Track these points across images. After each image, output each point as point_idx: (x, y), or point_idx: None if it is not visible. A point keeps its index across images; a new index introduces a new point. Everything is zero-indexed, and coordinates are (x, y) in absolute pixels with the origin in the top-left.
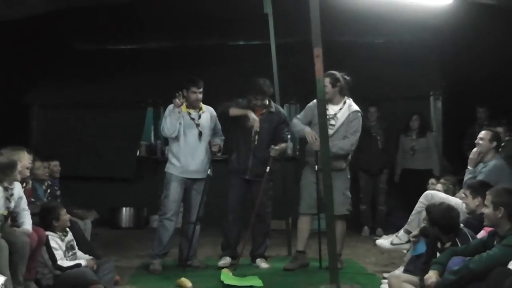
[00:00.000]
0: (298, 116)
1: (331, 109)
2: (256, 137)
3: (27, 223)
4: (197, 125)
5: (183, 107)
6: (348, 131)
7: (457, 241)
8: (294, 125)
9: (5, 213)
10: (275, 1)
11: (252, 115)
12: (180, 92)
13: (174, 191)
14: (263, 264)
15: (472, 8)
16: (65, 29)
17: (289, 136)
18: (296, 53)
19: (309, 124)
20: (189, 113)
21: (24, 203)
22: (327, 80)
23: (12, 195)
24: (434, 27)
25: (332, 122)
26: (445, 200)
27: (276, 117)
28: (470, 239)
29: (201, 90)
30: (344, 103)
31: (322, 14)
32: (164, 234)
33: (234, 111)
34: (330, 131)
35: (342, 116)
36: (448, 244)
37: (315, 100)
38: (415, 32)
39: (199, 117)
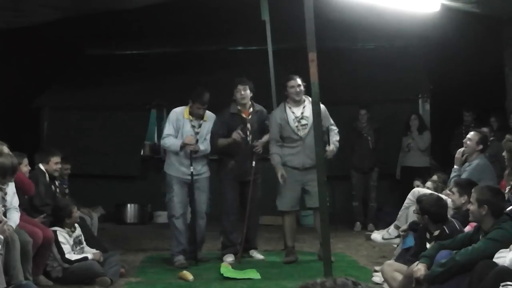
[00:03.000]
0: (272, 136)
1: (297, 111)
2: (251, 136)
3: (12, 220)
4: (196, 133)
5: (186, 114)
6: (325, 124)
7: (445, 228)
8: (272, 157)
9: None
10: (272, 8)
11: (235, 135)
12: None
13: (178, 193)
14: (259, 255)
15: (458, 16)
16: (75, 35)
17: None
18: (292, 58)
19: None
20: (191, 120)
21: (16, 201)
22: (300, 80)
23: (6, 194)
24: (422, 33)
25: (303, 122)
26: None
27: (261, 115)
28: (457, 227)
29: (205, 106)
30: (304, 101)
31: (316, 22)
32: (179, 234)
33: (222, 142)
34: (305, 130)
35: (309, 113)
36: (436, 232)
37: (274, 112)
38: (404, 38)
39: (199, 125)
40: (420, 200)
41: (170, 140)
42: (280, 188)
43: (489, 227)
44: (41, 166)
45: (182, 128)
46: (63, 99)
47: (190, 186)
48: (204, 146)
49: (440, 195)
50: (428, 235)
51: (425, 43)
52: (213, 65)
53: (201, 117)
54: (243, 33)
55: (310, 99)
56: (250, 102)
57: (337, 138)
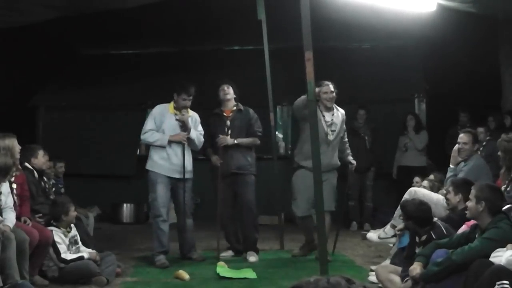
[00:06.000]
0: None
1: (328, 117)
2: (230, 132)
3: (9, 220)
4: (181, 127)
5: (171, 108)
6: (342, 133)
7: (432, 234)
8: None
9: None
10: (268, 8)
11: (214, 160)
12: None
13: (161, 193)
14: (251, 257)
15: (454, 15)
16: (70, 35)
17: (259, 134)
18: (288, 58)
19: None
20: (176, 114)
21: (10, 201)
22: (332, 86)
23: (0, 193)
24: (418, 33)
25: (333, 128)
26: (428, 196)
27: (246, 115)
28: (444, 232)
29: (191, 97)
30: (333, 109)
31: (313, 22)
32: (161, 235)
33: (209, 154)
34: (332, 136)
35: (338, 120)
36: (424, 237)
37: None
38: (400, 38)
39: (183, 115)
40: (403, 206)
41: (154, 135)
42: (295, 193)
43: (485, 224)
44: (27, 165)
45: (168, 122)
46: (59, 99)
47: (176, 186)
48: (195, 135)
49: (432, 199)
50: (417, 239)
51: (421, 43)
52: (209, 64)
53: (186, 109)
54: (240, 32)
55: (339, 109)
56: (233, 102)
57: (348, 151)
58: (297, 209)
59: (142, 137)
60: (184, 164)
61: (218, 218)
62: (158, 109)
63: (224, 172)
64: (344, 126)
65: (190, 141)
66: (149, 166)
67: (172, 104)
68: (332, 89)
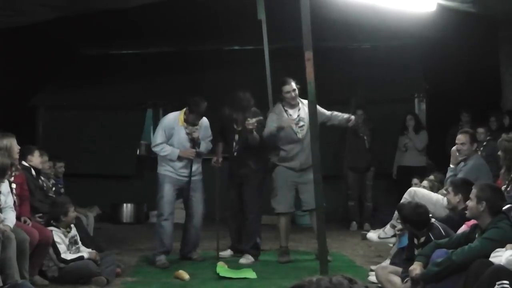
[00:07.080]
0: (268, 129)
1: (294, 114)
2: (237, 147)
3: (9, 220)
4: (191, 140)
5: (181, 121)
6: (321, 119)
7: (431, 235)
8: (267, 131)
9: None
10: (268, 8)
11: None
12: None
13: (168, 193)
14: (241, 259)
15: (454, 15)
16: (70, 35)
17: None
18: (288, 58)
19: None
20: (186, 127)
21: (10, 200)
22: (294, 84)
23: (0, 193)
24: (418, 33)
25: (301, 123)
26: (427, 196)
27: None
28: (443, 232)
29: (202, 116)
30: (298, 103)
31: (313, 22)
32: (164, 234)
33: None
34: (303, 132)
35: (304, 114)
36: (422, 239)
37: (271, 112)
38: (400, 38)
39: (194, 132)
40: (399, 209)
41: (165, 149)
42: (275, 190)
43: (486, 224)
44: (24, 163)
45: (178, 135)
46: (59, 99)
47: (184, 187)
48: (204, 147)
49: (432, 199)
50: (416, 241)
51: (421, 43)
52: (209, 64)
53: (195, 125)
54: (239, 32)
55: (303, 100)
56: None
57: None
58: (277, 205)
59: (153, 149)
60: (191, 174)
61: (230, 217)
62: (168, 121)
63: (235, 179)
64: (326, 111)
65: (198, 154)
66: (159, 169)
67: (182, 115)
68: (294, 87)
